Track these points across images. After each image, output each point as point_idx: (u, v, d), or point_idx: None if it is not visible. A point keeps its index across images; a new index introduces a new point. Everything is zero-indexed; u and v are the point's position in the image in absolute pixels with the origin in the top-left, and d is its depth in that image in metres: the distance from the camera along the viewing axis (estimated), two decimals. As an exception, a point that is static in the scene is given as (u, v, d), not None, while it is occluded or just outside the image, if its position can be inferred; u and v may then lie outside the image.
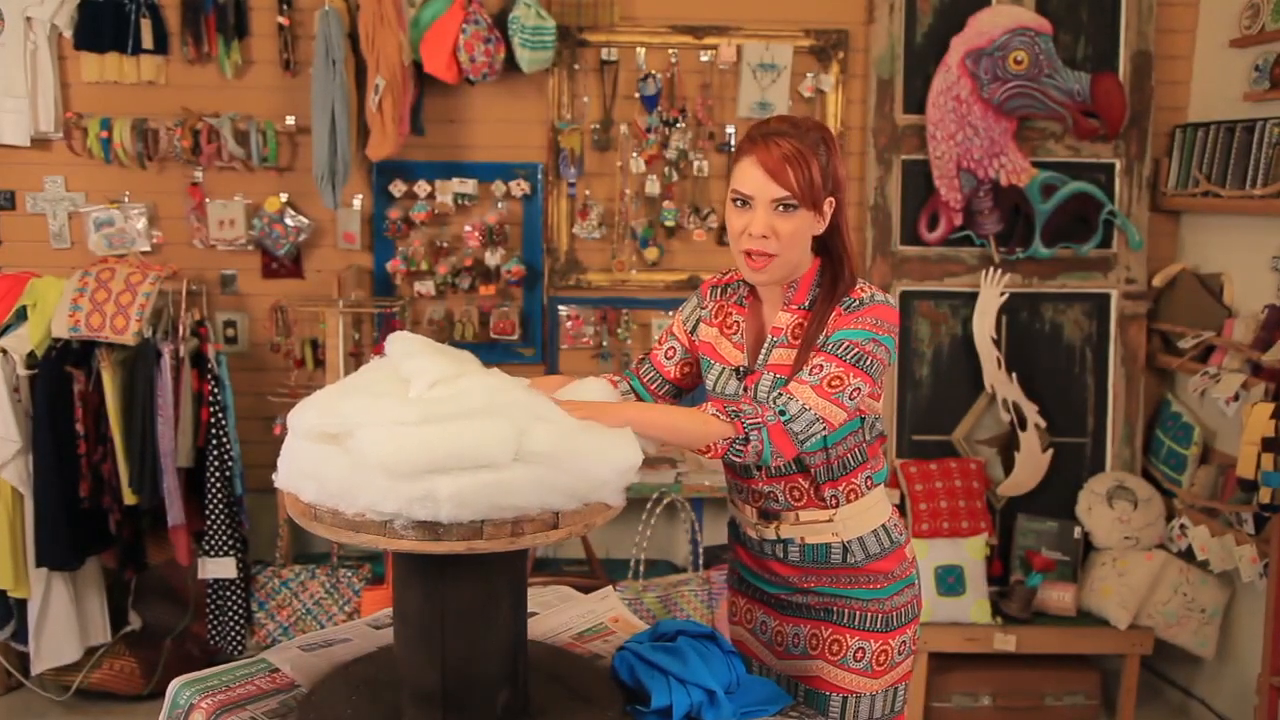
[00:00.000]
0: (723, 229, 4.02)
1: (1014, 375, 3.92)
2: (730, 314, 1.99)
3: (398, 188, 3.94)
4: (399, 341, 1.73)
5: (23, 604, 3.54)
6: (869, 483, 1.94)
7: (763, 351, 1.91)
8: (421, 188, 3.93)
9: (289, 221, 3.94)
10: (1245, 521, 3.44)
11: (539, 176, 4.00)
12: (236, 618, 3.71)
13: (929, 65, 3.89)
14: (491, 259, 3.92)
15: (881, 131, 3.93)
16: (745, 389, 1.90)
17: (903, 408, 3.98)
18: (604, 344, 4.05)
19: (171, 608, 3.91)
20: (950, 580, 3.66)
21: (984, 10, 3.83)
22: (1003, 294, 3.92)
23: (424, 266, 3.93)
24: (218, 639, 3.73)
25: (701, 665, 1.75)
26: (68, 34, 3.83)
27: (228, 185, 3.97)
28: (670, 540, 4.14)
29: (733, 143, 3.99)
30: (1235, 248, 3.74)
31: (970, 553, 3.69)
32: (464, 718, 1.62)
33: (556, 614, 2.15)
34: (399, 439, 1.46)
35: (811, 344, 1.82)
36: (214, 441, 3.61)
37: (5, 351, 3.47)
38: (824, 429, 1.77)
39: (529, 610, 1.84)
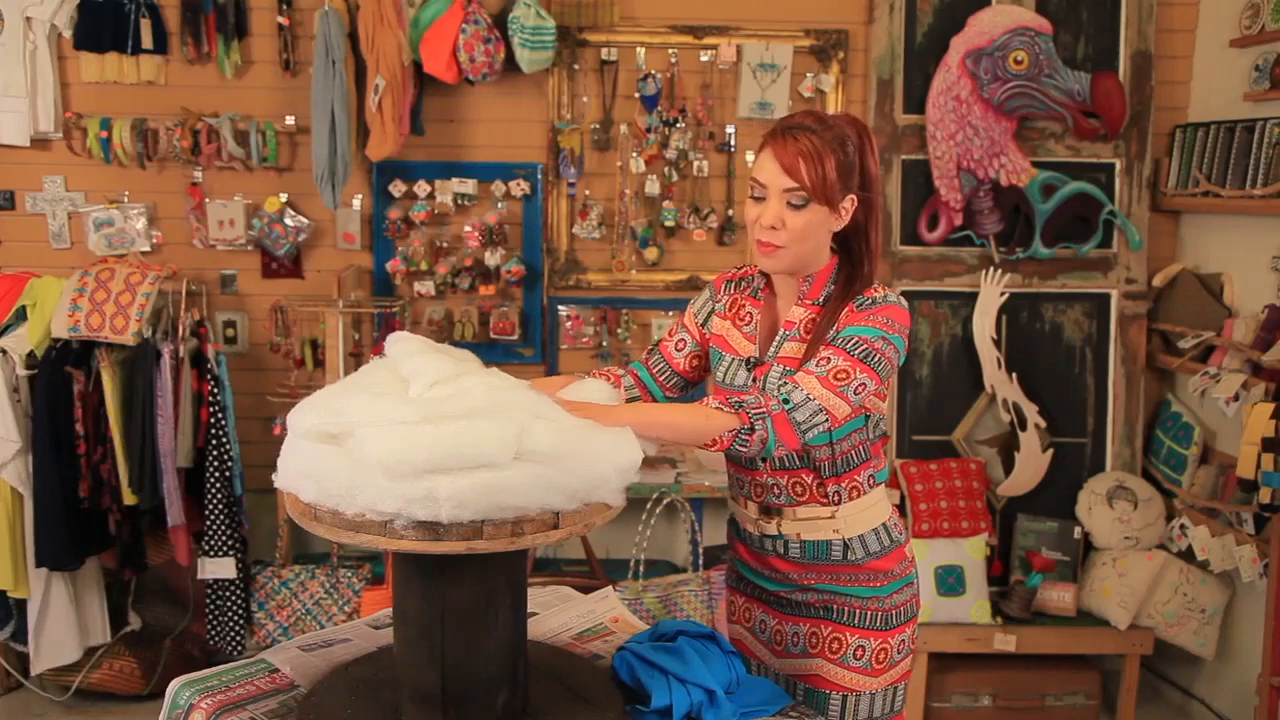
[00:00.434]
0: (723, 229, 4.02)
1: (1014, 375, 3.92)
2: (744, 306, 2.00)
3: (397, 188, 3.94)
4: (399, 342, 1.74)
5: (22, 604, 3.54)
6: (871, 481, 1.95)
7: (774, 344, 1.92)
8: (421, 188, 3.93)
9: (289, 221, 3.94)
10: (1245, 521, 3.44)
11: (539, 176, 4.00)
12: (236, 618, 3.71)
13: (929, 65, 3.89)
14: (491, 259, 3.92)
15: (881, 131, 3.93)
16: (754, 380, 1.91)
17: (903, 408, 3.98)
18: (604, 344, 4.05)
19: (171, 608, 3.92)
20: (950, 580, 3.66)
21: (984, 10, 3.83)
22: (1003, 294, 3.92)
23: (424, 266, 3.93)
24: (217, 639, 3.73)
25: (701, 665, 1.75)
26: (67, 34, 3.83)
27: (227, 185, 3.97)
28: (670, 540, 4.13)
29: (733, 143, 4.00)
30: (1235, 248, 3.74)
31: (970, 553, 3.69)
32: (464, 718, 1.62)
33: (556, 614, 2.15)
34: (399, 439, 1.46)
35: (821, 338, 1.84)
36: (214, 441, 3.61)
37: (5, 351, 3.47)
38: (827, 421, 1.77)
39: (529, 610, 1.83)
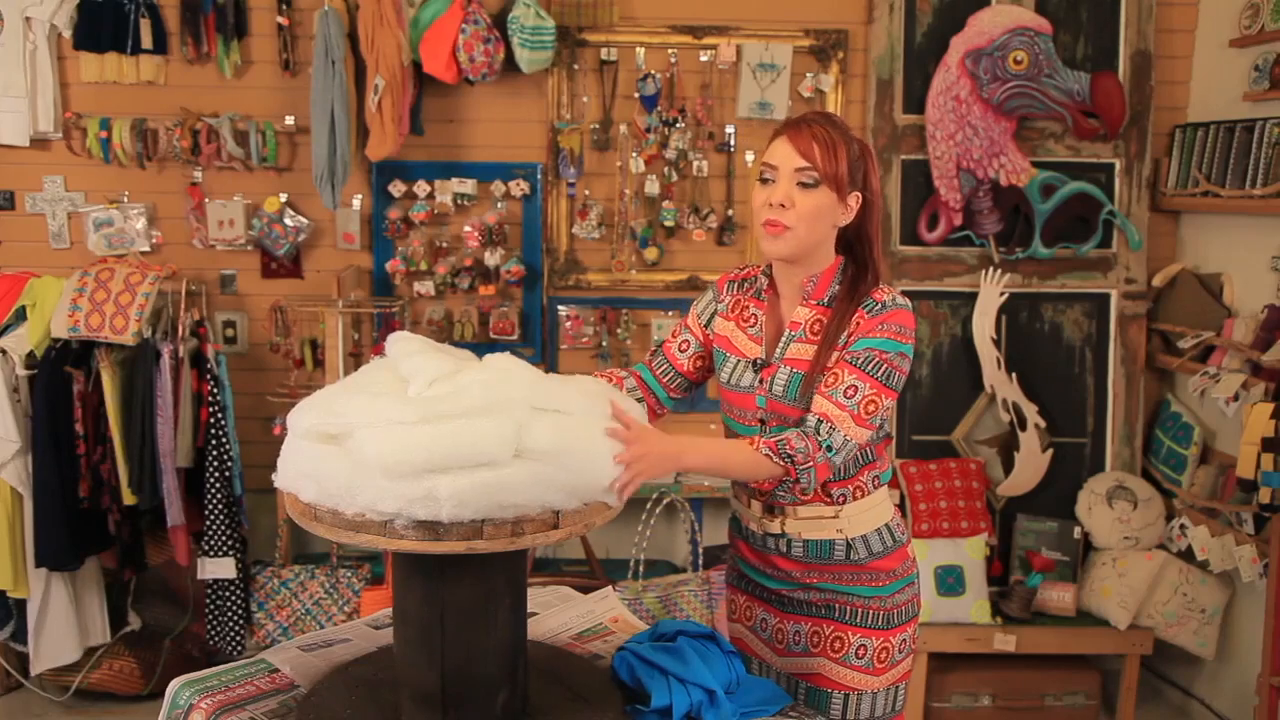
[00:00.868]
0: (722, 229, 4.02)
1: (1014, 375, 3.92)
2: (748, 307, 2.00)
3: (397, 188, 3.94)
4: (399, 341, 1.74)
5: (22, 604, 3.54)
6: (875, 482, 1.96)
7: (780, 345, 1.93)
8: (421, 188, 3.93)
9: (288, 221, 3.94)
10: (1245, 521, 3.44)
11: (538, 176, 4.00)
12: (236, 618, 3.71)
13: (929, 65, 3.89)
14: (491, 259, 3.92)
15: (881, 131, 3.93)
16: (761, 381, 1.92)
17: (903, 408, 3.98)
18: (603, 344, 4.05)
19: (171, 608, 3.92)
20: (950, 580, 3.66)
21: (984, 10, 3.83)
22: (1002, 294, 3.92)
23: (423, 266, 3.93)
24: (217, 639, 3.73)
25: (701, 665, 1.75)
26: (67, 34, 3.83)
27: (227, 185, 3.96)
28: (670, 540, 4.13)
29: (733, 143, 4.00)
30: (1235, 248, 3.74)
31: (970, 553, 3.69)
32: (463, 718, 1.62)
33: (556, 614, 2.15)
34: (398, 439, 1.46)
35: (832, 343, 1.85)
36: (213, 442, 3.61)
37: (4, 352, 3.47)
38: (855, 450, 1.85)
39: (529, 610, 1.83)
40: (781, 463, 1.77)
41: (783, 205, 1.83)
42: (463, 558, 1.51)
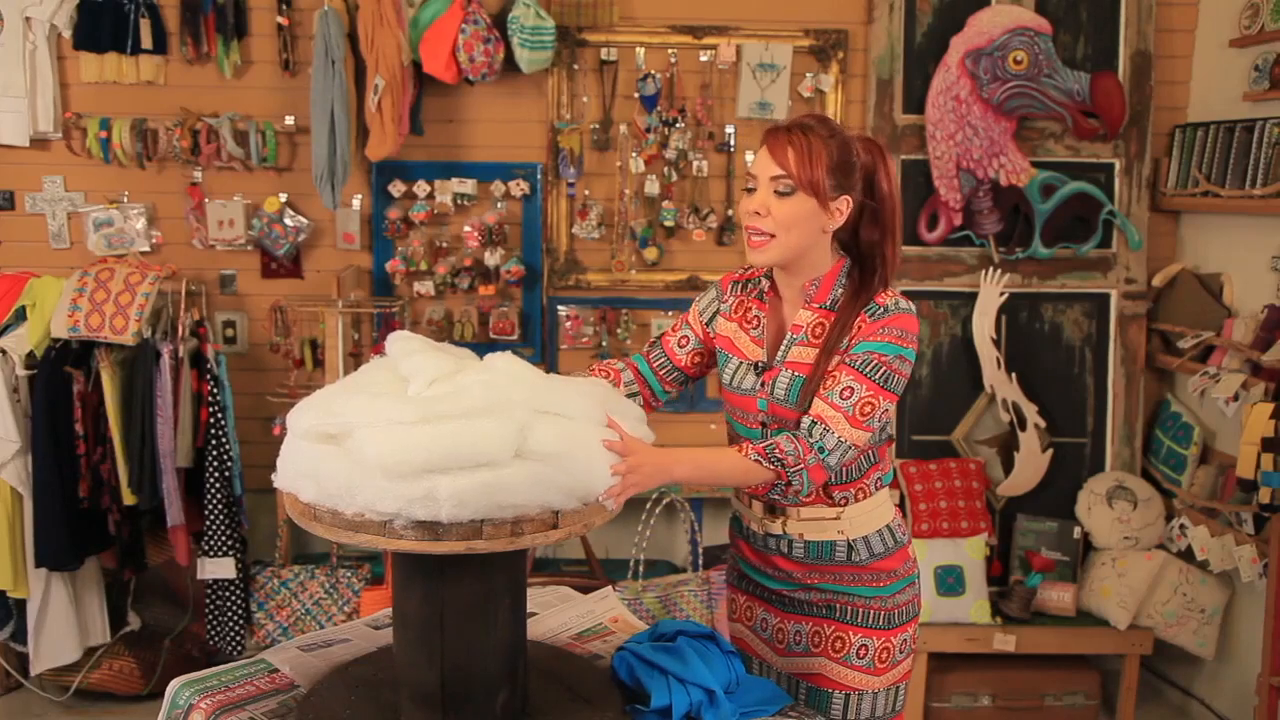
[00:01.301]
0: (722, 229, 4.02)
1: (1014, 375, 3.92)
2: (750, 309, 2.00)
3: (397, 188, 3.94)
4: (399, 341, 1.74)
5: (22, 604, 3.54)
6: (877, 484, 1.96)
7: (781, 348, 1.92)
8: (421, 188, 3.93)
9: (288, 221, 3.94)
10: (1245, 521, 3.44)
11: (538, 176, 4.00)
12: (236, 618, 3.71)
13: (928, 65, 3.89)
14: (491, 259, 3.92)
15: (881, 131, 3.93)
16: (763, 384, 1.91)
17: (902, 408, 3.98)
18: (603, 344, 4.05)
19: (171, 608, 3.92)
20: (950, 580, 3.66)
21: (984, 10, 3.83)
22: (1002, 294, 3.92)
23: (423, 266, 3.93)
24: (217, 639, 3.73)
25: (701, 665, 1.75)
26: (67, 34, 3.83)
27: (227, 185, 3.96)
28: (670, 540, 4.14)
29: (732, 143, 4.00)
30: (1235, 248, 3.74)
31: (970, 553, 3.69)
32: (463, 718, 1.62)
33: (556, 614, 2.15)
34: (398, 438, 1.46)
35: (834, 348, 1.84)
36: (213, 442, 3.61)
37: (4, 352, 3.47)
38: (853, 453, 1.83)
39: (529, 610, 1.84)
40: (771, 467, 1.77)
41: (757, 213, 1.84)
42: (462, 558, 1.51)
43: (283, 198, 3.94)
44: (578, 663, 1.91)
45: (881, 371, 1.81)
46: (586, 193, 4.01)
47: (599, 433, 1.64)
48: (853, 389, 1.80)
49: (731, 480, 1.83)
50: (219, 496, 3.62)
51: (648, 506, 3.54)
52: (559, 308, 4.06)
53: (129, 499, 3.53)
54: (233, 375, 3.76)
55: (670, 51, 3.95)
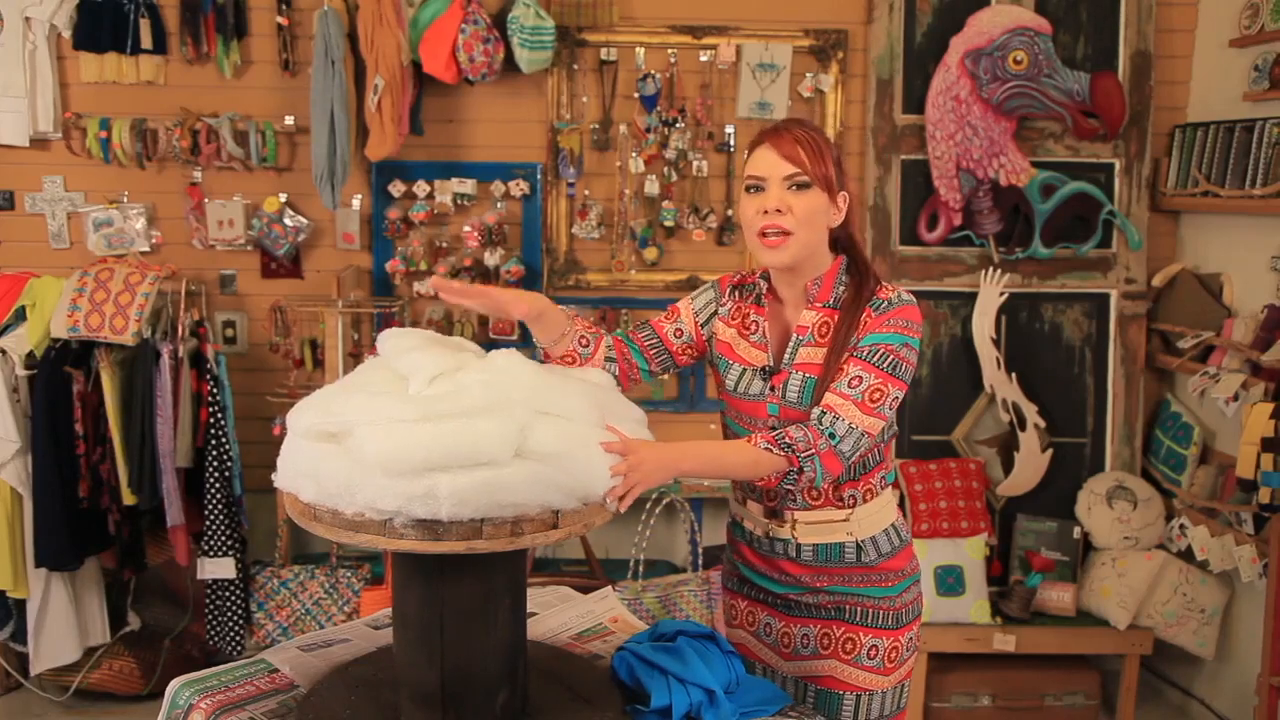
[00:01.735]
0: (722, 229, 4.02)
1: (1013, 375, 3.92)
2: (748, 314, 1.98)
3: (397, 188, 3.94)
4: (392, 338, 1.73)
5: (22, 604, 3.54)
6: (882, 483, 1.96)
7: (788, 351, 1.91)
8: (420, 188, 3.93)
9: (288, 221, 3.94)
10: (1245, 521, 3.44)
11: (538, 176, 4.00)
12: (235, 618, 3.71)
13: (928, 65, 3.89)
14: (491, 259, 3.92)
15: (881, 131, 3.93)
16: (772, 389, 1.90)
17: (902, 408, 3.96)
18: (603, 344, 4.04)
19: (170, 608, 3.91)
20: (950, 580, 3.66)
21: (983, 10, 3.83)
22: (1002, 294, 3.92)
23: (423, 266, 3.93)
24: (217, 639, 3.73)
25: (701, 665, 1.75)
26: (66, 34, 3.83)
27: (227, 185, 3.96)
28: (669, 540, 4.13)
29: (732, 143, 3.99)
30: (1235, 248, 3.74)
31: (970, 553, 3.69)
32: (463, 718, 1.62)
33: (556, 614, 2.15)
34: (398, 437, 1.46)
35: (844, 346, 1.83)
36: (213, 442, 3.61)
37: (4, 352, 3.47)
38: (868, 442, 1.81)
39: (528, 610, 1.83)
40: (781, 453, 1.75)
41: (779, 211, 1.82)
42: (462, 558, 1.51)
43: (282, 198, 3.94)
44: (578, 663, 1.91)
45: (889, 360, 1.80)
46: (586, 193, 4.01)
47: (599, 434, 1.63)
48: (861, 377, 1.79)
49: (741, 471, 1.79)
50: (219, 496, 3.62)
51: (647, 506, 3.54)
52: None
53: (129, 499, 3.53)
54: (233, 375, 3.76)
55: (670, 51, 3.95)
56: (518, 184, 3.96)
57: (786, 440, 1.76)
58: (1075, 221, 3.92)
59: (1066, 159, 3.93)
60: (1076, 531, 3.84)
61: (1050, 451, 3.91)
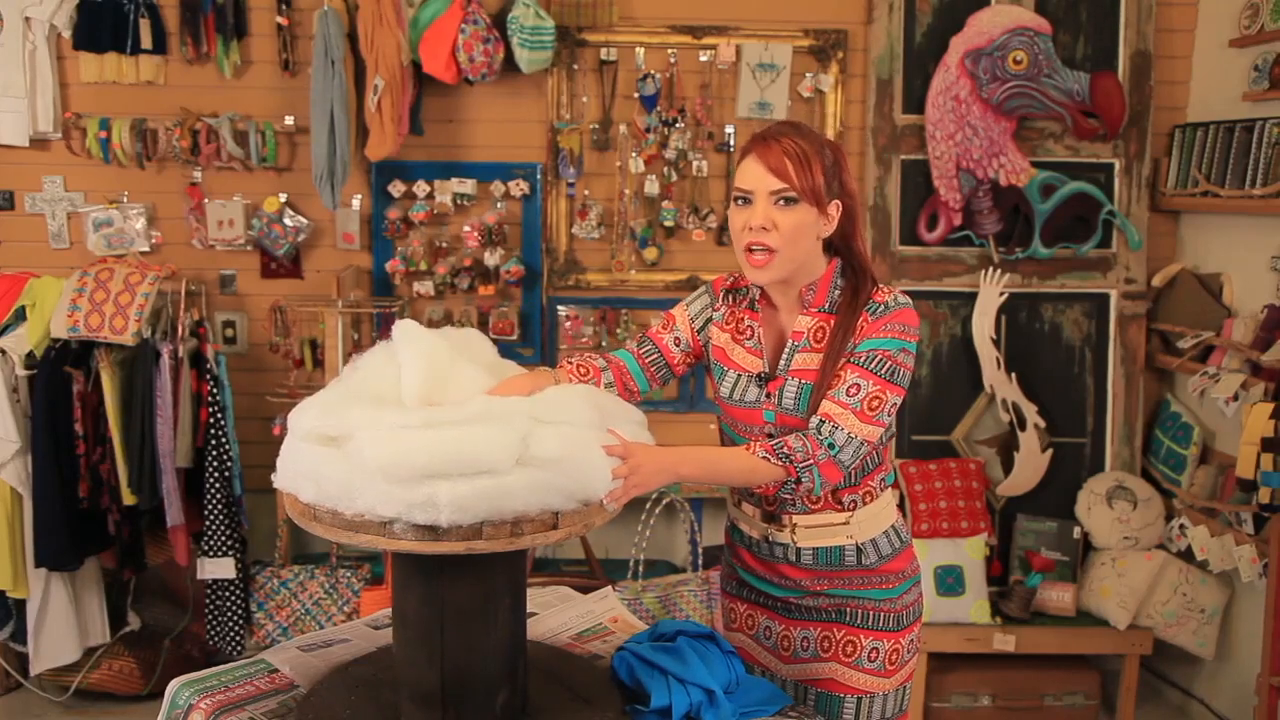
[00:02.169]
0: (722, 229, 4.02)
1: (1013, 375, 3.92)
2: (743, 319, 1.96)
3: (397, 188, 3.94)
4: (407, 337, 1.71)
5: (22, 604, 3.54)
6: (882, 485, 1.95)
7: (784, 357, 1.89)
8: (420, 188, 3.93)
9: (288, 221, 3.94)
10: (1245, 521, 3.44)
11: (538, 176, 4.00)
12: (235, 618, 3.71)
13: (928, 65, 3.89)
14: (490, 259, 3.92)
15: (881, 131, 3.93)
16: (768, 395, 1.88)
17: (902, 408, 3.94)
18: (603, 344, 4.05)
19: (170, 608, 3.91)
20: (950, 580, 3.66)
21: (983, 10, 3.83)
22: (1002, 294, 3.92)
23: (423, 266, 3.93)
24: (217, 639, 3.73)
25: (701, 665, 1.75)
26: (66, 34, 3.83)
27: (226, 185, 3.96)
28: (669, 541, 4.14)
29: (732, 143, 3.99)
30: (1235, 248, 3.74)
31: (970, 553, 3.69)
32: (463, 718, 1.62)
33: (556, 614, 2.15)
34: (399, 443, 1.46)
35: (840, 351, 1.82)
36: (213, 442, 3.61)
37: (4, 352, 3.47)
38: (866, 450, 1.81)
39: (528, 610, 1.83)
40: (779, 463, 1.74)
41: (764, 228, 1.79)
42: (462, 558, 1.51)
43: (282, 198, 3.94)
44: (578, 663, 1.91)
45: (887, 366, 1.79)
46: (586, 193, 4.01)
47: (600, 437, 1.63)
48: (859, 385, 1.78)
49: (738, 479, 1.79)
50: (219, 496, 3.62)
51: (647, 506, 3.54)
52: (559, 308, 4.06)
53: (129, 499, 3.53)
54: (232, 375, 3.76)
55: (670, 51, 3.95)
56: (518, 184, 3.96)
57: (785, 450, 1.75)
58: (1075, 221, 3.92)
59: (1066, 159, 3.93)
60: (1076, 531, 3.84)
61: (1050, 451, 3.91)
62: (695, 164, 3.96)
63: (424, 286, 3.94)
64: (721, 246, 4.05)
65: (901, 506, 3.80)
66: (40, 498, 3.44)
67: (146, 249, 3.95)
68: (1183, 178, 3.86)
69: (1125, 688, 3.70)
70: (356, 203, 3.98)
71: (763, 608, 2.04)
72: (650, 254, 4.00)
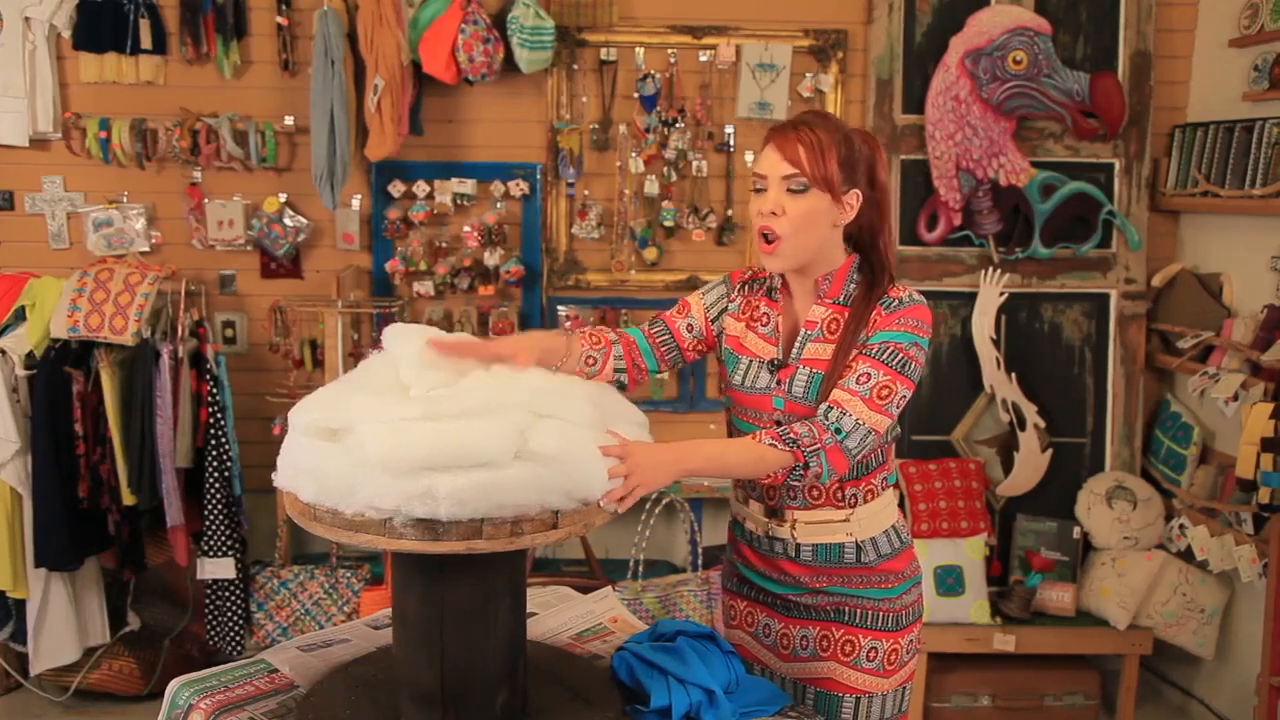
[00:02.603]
0: (722, 229, 4.02)
1: (1013, 375, 3.92)
2: (758, 307, 1.98)
3: (396, 188, 3.94)
4: (397, 338, 1.72)
5: (21, 604, 3.54)
6: (884, 484, 1.95)
7: (796, 345, 1.91)
8: (420, 188, 3.93)
9: (288, 222, 3.94)
10: (1244, 521, 3.44)
11: (538, 176, 4.00)
12: (235, 618, 3.71)
13: (928, 65, 3.89)
14: (490, 259, 3.92)
15: (881, 131, 3.93)
16: (779, 382, 1.90)
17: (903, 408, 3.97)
18: (603, 344, 4.04)
19: (170, 608, 3.91)
20: (950, 580, 3.66)
21: (983, 10, 3.83)
22: (1002, 294, 3.92)
23: (423, 266, 3.93)
24: (216, 639, 3.73)
25: (701, 665, 1.75)
26: (66, 34, 3.83)
27: (226, 185, 3.96)
28: (669, 540, 4.13)
29: (732, 143, 4.00)
30: (1235, 248, 3.74)
31: (970, 553, 3.69)
32: (463, 718, 1.62)
33: (556, 614, 2.15)
34: (399, 435, 1.46)
35: (852, 343, 1.83)
36: (213, 442, 3.61)
37: (4, 352, 3.47)
38: (874, 440, 1.80)
39: (528, 610, 1.84)
40: (786, 448, 1.73)
41: (774, 213, 1.82)
42: (462, 557, 1.51)
43: (282, 198, 3.94)
44: (578, 663, 1.91)
45: (899, 358, 1.80)
46: (586, 193, 4.01)
47: (599, 437, 1.63)
48: (869, 375, 1.78)
49: (745, 469, 1.78)
50: (218, 496, 3.62)
51: (647, 507, 3.54)
52: (559, 308, 4.06)
53: (129, 499, 3.53)
54: (232, 375, 3.76)
55: (670, 51, 3.95)
56: (517, 184, 3.96)
57: (791, 436, 1.74)
58: (1075, 221, 3.92)
59: (1066, 159, 3.93)
60: (1076, 531, 3.84)
61: (1050, 451, 3.91)
62: (695, 164, 3.96)
63: (424, 286, 3.94)
64: (721, 246, 4.05)
65: (901, 506, 3.80)
66: (40, 498, 3.44)
67: (146, 249, 3.95)
68: (1183, 178, 3.86)
69: (1125, 688, 3.70)
70: (356, 203, 3.98)
71: (763, 605, 2.04)
72: (650, 254, 4.00)
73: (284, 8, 3.83)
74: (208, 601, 3.73)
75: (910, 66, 3.93)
